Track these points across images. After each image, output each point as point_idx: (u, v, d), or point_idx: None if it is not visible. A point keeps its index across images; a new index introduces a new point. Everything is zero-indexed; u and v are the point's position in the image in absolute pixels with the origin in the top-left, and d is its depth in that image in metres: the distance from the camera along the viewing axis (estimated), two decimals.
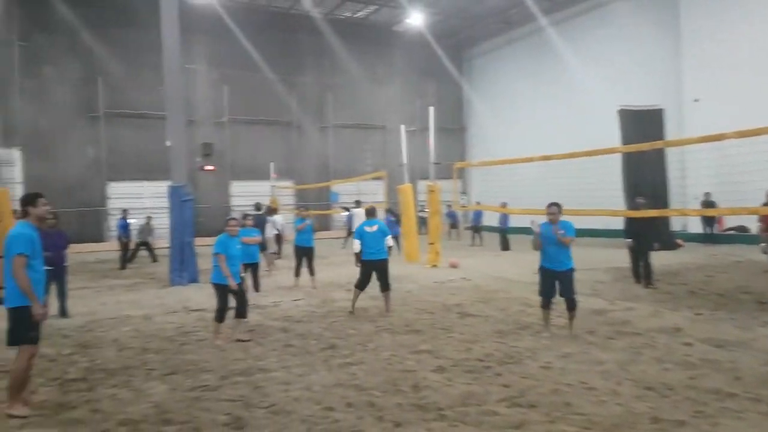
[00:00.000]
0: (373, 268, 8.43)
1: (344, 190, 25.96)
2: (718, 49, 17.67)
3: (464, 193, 28.83)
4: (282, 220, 16.15)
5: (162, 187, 15.11)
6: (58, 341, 7.09)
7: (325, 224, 25.05)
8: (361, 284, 8.55)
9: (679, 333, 6.78)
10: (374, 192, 24.57)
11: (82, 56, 22.21)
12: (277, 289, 11.02)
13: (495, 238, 18.49)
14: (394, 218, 16.72)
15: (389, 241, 8.66)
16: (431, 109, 14.83)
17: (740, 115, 14.23)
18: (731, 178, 15.73)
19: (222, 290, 6.93)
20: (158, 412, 4.54)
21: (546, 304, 6.97)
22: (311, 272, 11.00)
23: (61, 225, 9.27)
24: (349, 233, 19.30)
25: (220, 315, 6.92)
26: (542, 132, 23.38)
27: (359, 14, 26.06)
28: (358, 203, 15.88)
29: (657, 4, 20.26)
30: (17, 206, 5.48)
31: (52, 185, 20.84)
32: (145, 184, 22.96)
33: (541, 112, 24.68)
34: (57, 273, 8.61)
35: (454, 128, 29.94)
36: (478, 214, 20.33)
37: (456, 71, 29.77)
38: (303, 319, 8.12)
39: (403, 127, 15.77)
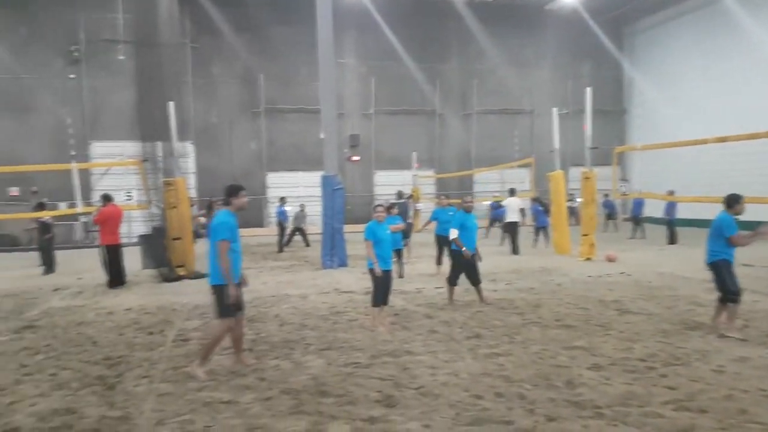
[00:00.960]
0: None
1: (487, 178, 25.54)
2: None
3: (624, 180, 26.83)
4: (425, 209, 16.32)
5: (314, 177, 16.17)
6: None
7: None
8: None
9: None
10: (521, 180, 23.82)
11: (244, 56, 24.25)
12: (419, 276, 11.18)
13: (659, 230, 16.99)
14: (542, 207, 16.05)
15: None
16: (588, 90, 13.85)
17: None
18: None
19: (372, 275, 6.99)
20: (316, 384, 4.84)
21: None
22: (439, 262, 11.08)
23: None
24: (491, 223, 18.96)
25: (376, 300, 6.99)
26: (716, 112, 20.99)
27: None
28: (512, 192, 15.13)
29: None
30: (192, 194, 6.20)
31: (219, 175, 23.15)
32: (300, 174, 24.57)
33: (716, 90, 22.13)
34: None
35: (613, 110, 27.80)
36: (638, 204, 18.37)
37: (615, 49, 27.55)
38: (446, 307, 8.14)
39: (555, 110, 14.98)
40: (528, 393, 4.58)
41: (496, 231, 18.09)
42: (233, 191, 5.23)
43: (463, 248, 7.88)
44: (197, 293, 9.81)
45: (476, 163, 25.88)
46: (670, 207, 16.29)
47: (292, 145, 24.77)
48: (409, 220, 14.25)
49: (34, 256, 14.24)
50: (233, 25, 23.71)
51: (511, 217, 14.74)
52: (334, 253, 12.58)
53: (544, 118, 18.21)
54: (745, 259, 11.39)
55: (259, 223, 24.26)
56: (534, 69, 27.15)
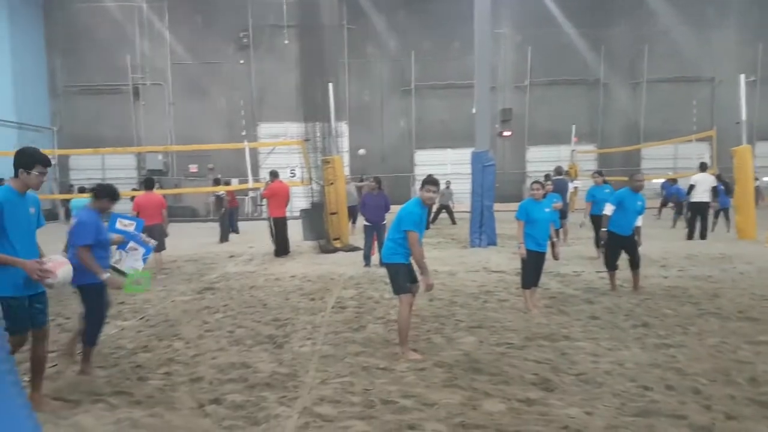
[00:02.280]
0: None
1: (657, 154, 23.33)
2: None
3: None
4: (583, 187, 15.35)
5: (462, 154, 16.01)
6: (381, 286, 8.12)
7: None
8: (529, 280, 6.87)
9: None
10: (698, 155, 21.29)
11: (397, 34, 24.62)
12: (577, 258, 10.59)
13: None
14: (723, 187, 14.19)
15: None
16: None
17: None
18: None
19: (527, 256, 6.59)
20: (469, 360, 4.80)
21: None
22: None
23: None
24: (664, 203, 17.21)
25: (525, 282, 6.70)
26: None
27: None
28: (703, 166, 13.13)
29: None
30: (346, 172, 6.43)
31: (371, 153, 23.93)
32: (448, 151, 24.52)
33: None
34: (378, 228, 9.96)
35: None
36: None
37: None
38: (609, 293, 7.59)
39: (742, 77, 13.12)
40: (704, 388, 4.11)
41: (668, 212, 16.52)
42: (424, 182, 5.19)
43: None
44: (351, 264, 10.34)
45: (645, 137, 23.73)
46: None
47: (441, 121, 24.77)
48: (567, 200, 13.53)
49: (212, 226, 16.00)
50: (387, 5, 24.11)
51: (701, 196, 12.65)
52: (482, 232, 12.39)
53: (727, 85, 16.02)
54: None
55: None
56: (716, 30, 24.02)
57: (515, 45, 24.77)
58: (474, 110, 12.89)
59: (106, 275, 4.45)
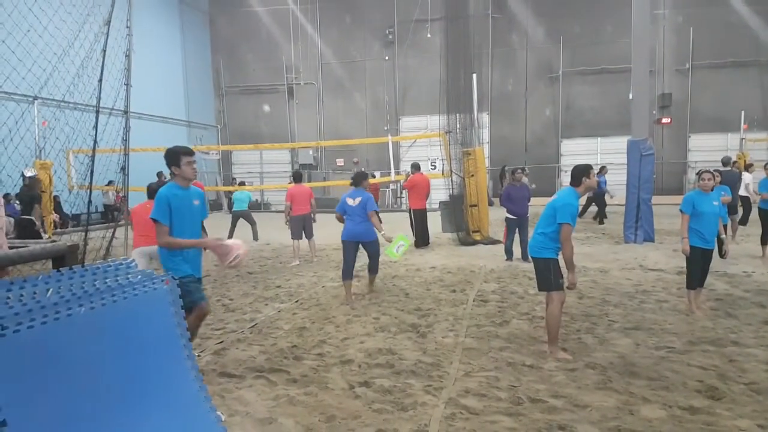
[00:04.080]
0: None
1: None
2: None
3: None
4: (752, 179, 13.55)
5: (614, 142, 14.92)
6: (524, 281, 7.92)
7: None
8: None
9: None
10: None
11: (545, 21, 23.65)
12: (748, 257, 9.46)
13: None
14: None
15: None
16: None
17: None
18: None
19: (692, 253, 6.04)
20: (624, 363, 4.52)
21: None
22: None
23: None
24: None
25: (690, 281, 6.14)
26: None
27: None
28: None
29: None
30: (486, 163, 6.28)
31: (514, 144, 23.35)
32: (599, 140, 23.11)
33: None
34: (522, 222, 9.70)
35: None
36: None
37: None
38: None
39: None
40: None
41: None
42: (584, 171, 4.85)
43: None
44: (492, 257, 10.21)
45: None
46: None
47: (591, 109, 23.38)
48: (741, 193, 12.08)
49: None
50: None
51: None
52: (639, 226, 11.51)
53: None
54: None
55: (552, 192, 23.70)
56: None
57: (675, 26, 22.53)
58: (631, 96, 11.98)
59: (382, 232, 6.83)
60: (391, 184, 23.24)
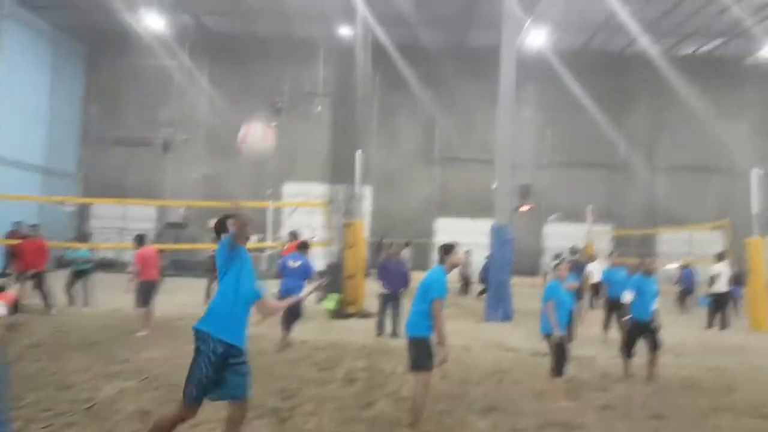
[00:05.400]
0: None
1: (672, 239, 23.30)
2: None
3: None
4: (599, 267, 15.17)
5: (482, 224, 16.10)
6: (393, 359, 8.06)
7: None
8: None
9: None
10: (712, 244, 21.20)
11: (424, 108, 25.46)
12: (591, 340, 10.42)
13: None
14: (737, 276, 14.07)
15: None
16: None
17: None
18: None
19: (553, 341, 6.24)
20: None
21: None
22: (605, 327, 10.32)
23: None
24: (685, 294, 16.75)
25: (559, 370, 6.21)
26: None
27: (702, 49, 23.59)
28: (721, 256, 13.07)
29: None
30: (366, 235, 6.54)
31: (393, 217, 24.23)
32: (468, 221, 24.69)
33: None
34: (395, 298, 9.91)
35: None
36: None
37: None
38: (623, 380, 7.46)
39: (755, 170, 13.37)
40: None
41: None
42: (449, 249, 5.18)
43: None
44: (364, 332, 10.25)
45: (661, 221, 23.77)
46: None
47: (464, 192, 25.18)
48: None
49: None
50: (419, 78, 24.99)
51: (724, 286, 12.64)
52: (499, 306, 12.34)
53: (744, 177, 16.10)
54: None
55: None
56: (732, 123, 24.50)
57: (537, 125, 25.44)
58: (494, 185, 13.14)
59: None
60: (267, 250, 22.79)
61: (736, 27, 20.90)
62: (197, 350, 3.83)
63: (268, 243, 15.57)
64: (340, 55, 16.78)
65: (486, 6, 18.84)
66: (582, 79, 23.95)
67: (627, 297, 7.55)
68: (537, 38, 21.94)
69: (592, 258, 15.30)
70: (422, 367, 4.97)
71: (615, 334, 10.29)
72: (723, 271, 12.63)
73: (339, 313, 12.05)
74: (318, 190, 19.50)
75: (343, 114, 13.49)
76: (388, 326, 9.94)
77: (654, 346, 7.38)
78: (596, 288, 13.82)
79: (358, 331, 10.40)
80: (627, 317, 7.62)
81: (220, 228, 4.15)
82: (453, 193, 25.51)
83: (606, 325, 10.52)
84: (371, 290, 11.83)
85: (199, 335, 3.86)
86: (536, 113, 25.42)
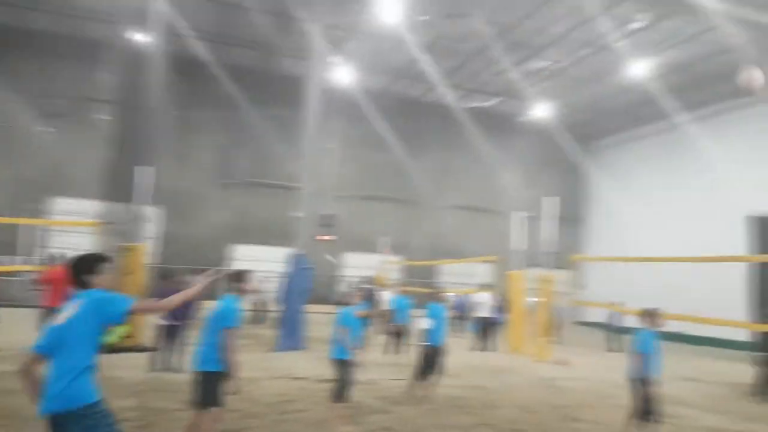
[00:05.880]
0: None
1: (453, 271, 25.78)
2: None
3: (579, 286, 27.38)
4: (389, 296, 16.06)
5: (281, 253, 15.93)
6: (168, 395, 7.39)
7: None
8: None
9: None
10: (484, 276, 24.02)
11: (225, 128, 24.66)
12: (376, 365, 10.85)
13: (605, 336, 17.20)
14: (501, 305, 16.13)
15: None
16: (550, 199, 14.58)
17: None
18: None
19: (342, 366, 6.38)
20: None
21: None
22: (397, 350, 11.02)
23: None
24: (461, 318, 18.48)
25: (344, 395, 6.31)
26: (672, 231, 22.02)
27: (486, 104, 26.99)
28: (486, 286, 15.08)
29: None
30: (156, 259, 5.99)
31: (184, 242, 22.75)
32: (267, 248, 24.24)
33: (674, 211, 23.30)
34: (177, 328, 9.18)
35: (574, 219, 29.09)
36: (616, 313, 17.15)
37: (580, 163, 29.43)
38: (404, 402, 7.86)
39: (519, 214, 15.56)
40: None
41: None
42: (241, 276, 5.09)
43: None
44: (136, 367, 9.23)
45: (445, 254, 26.16)
46: (614, 315, 16.65)
47: (263, 218, 24.71)
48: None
49: None
50: (221, 98, 24.11)
51: (486, 312, 14.69)
52: (292, 334, 12.20)
53: (511, 218, 18.65)
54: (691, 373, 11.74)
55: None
56: (505, 172, 28.46)
57: (340, 159, 26.33)
58: (296, 214, 13.18)
59: None
60: (24, 274, 19.62)
61: (511, 89, 24.26)
62: None
63: (25, 266, 13.40)
64: (130, 61, 15.41)
65: (296, 36, 19.09)
66: (384, 118, 25.57)
67: (426, 323, 8.11)
68: (345, 75, 22.83)
69: (383, 287, 16.20)
70: (212, 402, 4.71)
71: (400, 357, 10.95)
72: (486, 299, 14.48)
73: (115, 348, 10.76)
74: (96, 207, 17.40)
75: (128, 125, 12.30)
76: (168, 360, 9.14)
77: (440, 369, 8.00)
78: (385, 315, 14.61)
79: (130, 367, 9.33)
80: (426, 343, 8.09)
81: None
82: (252, 219, 24.90)
83: (391, 349, 11.05)
84: (151, 322, 10.84)
85: None
86: (341, 146, 26.32)
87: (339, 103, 24.16)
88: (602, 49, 19.42)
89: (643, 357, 6.11)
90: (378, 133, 25.72)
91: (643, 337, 6.24)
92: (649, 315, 6.33)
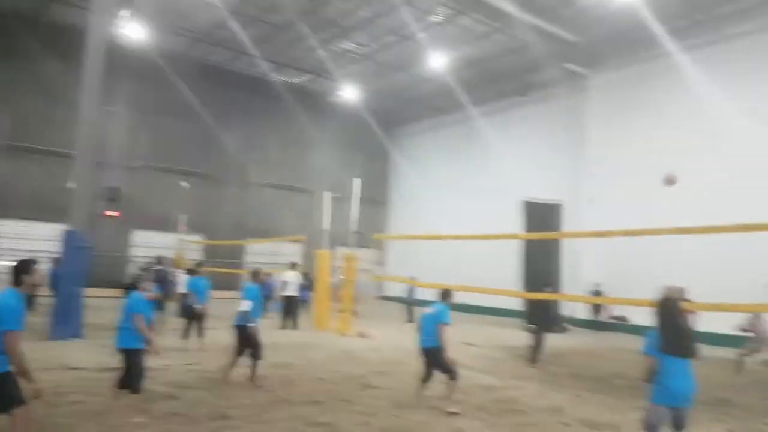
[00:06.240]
0: None
1: (259, 250, 25.29)
2: (613, 157, 19.00)
3: (380, 263, 28.94)
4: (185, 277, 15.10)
5: (52, 230, 13.91)
6: None
7: (232, 284, 23.20)
8: None
9: (561, 413, 7.07)
10: (292, 255, 23.86)
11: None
12: (167, 351, 10.17)
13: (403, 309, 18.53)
14: (309, 283, 16.33)
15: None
16: (356, 180, 15.05)
17: (627, 215, 15.99)
18: (617, 269, 16.89)
19: (136, 356, 6.02)
20: None
21: None
22: (200, 334, 10.60)
23: None
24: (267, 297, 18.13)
25: (140, 386, 6.02)
26: (464, 213, 24.37)
27: (296, 80, 26.13)
28: (293, 265, 14.97)
29: (568, 113, 21.82)
30: None
31: None
32: (38, 225, 21.03)
33: (465, 194, 25.70)
34: None
35: (378, 200, 30.48)
36: (411, 288, 18.55)
37: (384, 146, 30.77)
38: (194, 386, 7.51)
39: (327, 194, 15.81)
40: None
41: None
42: (27, 267, 4.32)
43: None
44: None
45: (250, 233, 25.44)
46: (411, 289, 18.03)
47: (31, 190, 21.27)
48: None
49: None
50: None
51: (292, 291, 14.62)
52: (67, 321, 10.78)
53: (319, 199, 18.86)
54: (472, 339, 13.22)
55: None
56: (314, 152, 28.58)
57: (129, 125, 23.71)
58: (70, 184, 11.55)
59: None
60: None
61: (320, 67, 23.94)
62: None
63: None
64: None
65: None
66: (183, 85, 23.47)
67: (246, 305, 7.90)
68: (135, 31, 19.98)
69: (180, 268, 15.17)
70: (14, 401, 4.11)
71: (196, 341, 10.42)
72: (293, 278, 14.46)
73: None
74: None
75: None
76: None
77: (259, 350, 7.92)
78: (182, 297, 13.69)
79: None
80: (244, 324, 7.84)
81: None
82: (16, 190, 21.20)
83: (188, 333, 10.48)
84: None
85: None
86: (130, 111, 23.75)
87: (129, 63, 21.72)
88: (406, 38, 20.33)
89: (443, 328, 6.89)
90: (177, 100, 23.65)
91: (441, 309, 7.02)
92: (445, 291, 7.28)
